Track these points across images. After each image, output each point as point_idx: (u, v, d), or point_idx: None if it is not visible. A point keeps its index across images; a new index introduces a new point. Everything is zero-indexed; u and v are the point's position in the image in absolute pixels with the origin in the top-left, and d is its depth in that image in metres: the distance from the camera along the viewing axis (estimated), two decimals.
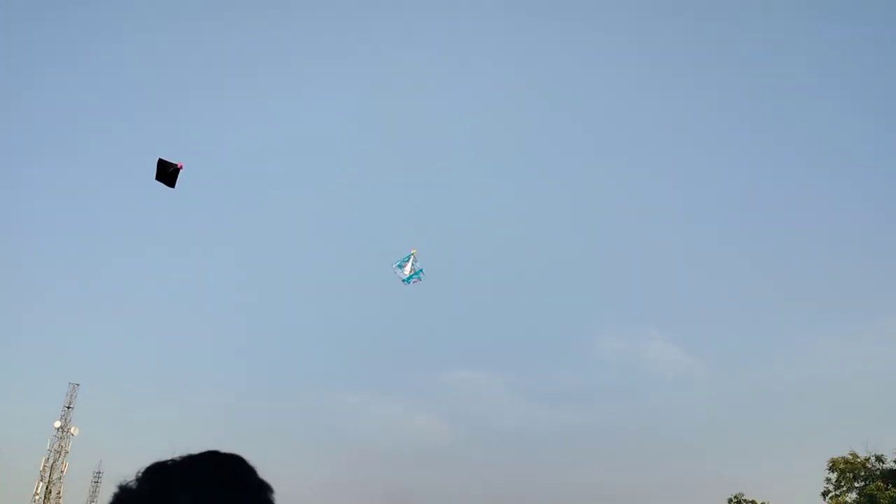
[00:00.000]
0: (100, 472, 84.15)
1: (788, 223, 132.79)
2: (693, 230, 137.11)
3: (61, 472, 76.83)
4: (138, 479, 1.05)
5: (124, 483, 1.03)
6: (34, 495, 74.74)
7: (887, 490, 38.60)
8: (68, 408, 78.84)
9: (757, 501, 53.72)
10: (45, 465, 76.66)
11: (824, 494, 43.02)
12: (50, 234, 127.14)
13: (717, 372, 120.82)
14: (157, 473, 1.04)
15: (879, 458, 41.49)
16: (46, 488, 75.67)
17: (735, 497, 53.66)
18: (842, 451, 43.42)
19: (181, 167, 13.82)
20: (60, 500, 75.66)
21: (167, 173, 13.95)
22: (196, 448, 1.20)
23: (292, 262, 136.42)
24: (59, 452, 77.37)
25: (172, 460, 1.07)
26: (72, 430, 78.15)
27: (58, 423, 78.26)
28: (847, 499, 42.00)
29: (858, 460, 42.27)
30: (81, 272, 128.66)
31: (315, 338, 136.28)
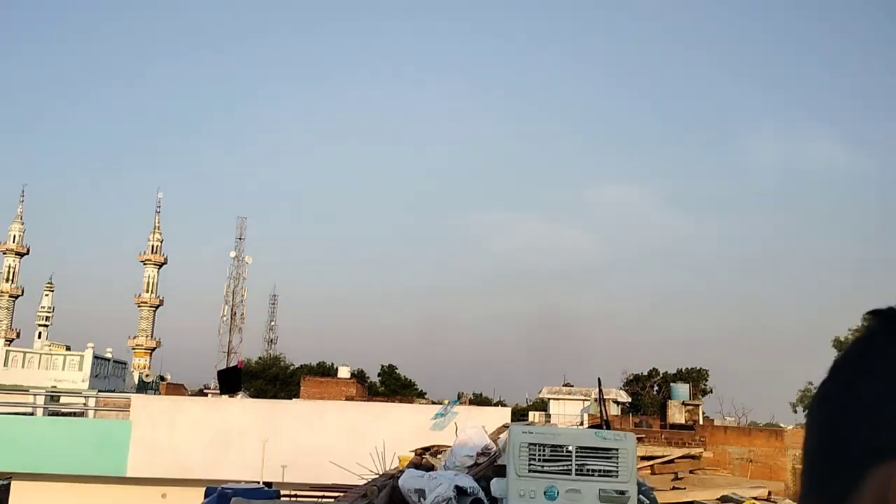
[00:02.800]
0: (275, 296, 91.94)
1: None
2: (864, 20, 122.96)
3: (242, 296, 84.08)
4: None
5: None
6: (221, 317, 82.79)
7: None
8: (240, 239, 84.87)
9: None
10: (227, 291, 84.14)
11: None
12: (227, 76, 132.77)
13: (893, 170, 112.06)
14: None
15: None
16: (231, 311, 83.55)
17: None
18: None
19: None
20: (244, 321, 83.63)
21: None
22: None
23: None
24: (238, 279, 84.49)
25: None
26: (246, 259, 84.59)
27: (233, 253, 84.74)
28: None
29: None
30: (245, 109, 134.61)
31: (460, 158, 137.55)
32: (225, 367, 77.05)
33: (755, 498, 5.04)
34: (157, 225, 78.66)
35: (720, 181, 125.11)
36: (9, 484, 14.42)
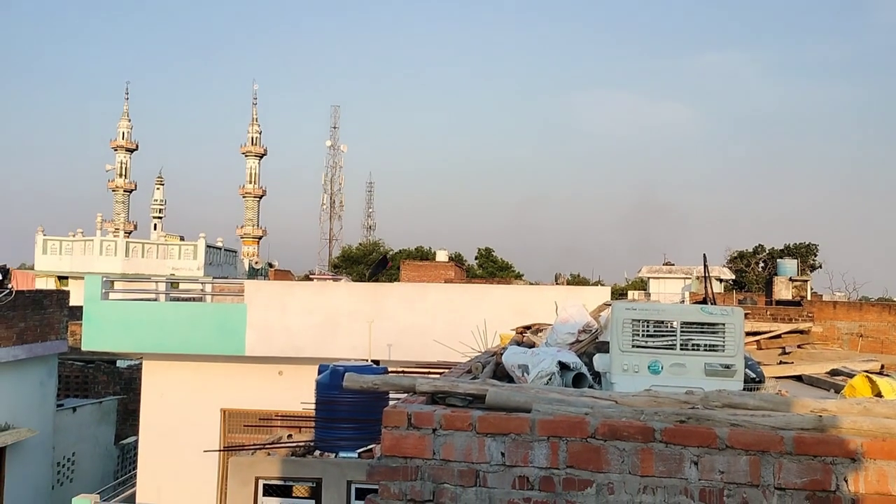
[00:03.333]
0: (371, 182, 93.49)
1: None
2: None
3: (339, 184, 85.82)
4: None
5: None
6: (321, 205, 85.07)
7: None
8: (334, 128, 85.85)
9: None
10: (325, 180, 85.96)
11: None
12: None
13: None
14: None
15: None
16: (330, 199, 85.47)
17: None
18: None
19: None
20: (343, 208, 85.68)
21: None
22: None
23: None
24: (335, 168, 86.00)
25: None
26: (341, 147, 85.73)
27: (328, 142, 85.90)
28: None
29: None
30: None
31: (557, 35, 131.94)
32: (328, 251, 79.59)
33: (868, 371, 4.91)
34: (254, 117, 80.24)
35: (832, 44, 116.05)
36: (141, 363, 15.68)
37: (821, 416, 3.15)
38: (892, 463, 2.94)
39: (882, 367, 5.81)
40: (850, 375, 4.82)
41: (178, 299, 16.49)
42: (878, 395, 3.99)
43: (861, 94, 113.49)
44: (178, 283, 24.67)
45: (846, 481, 2.96)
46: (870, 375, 4.33)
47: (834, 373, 5.55)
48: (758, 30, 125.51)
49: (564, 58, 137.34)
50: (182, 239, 54.10)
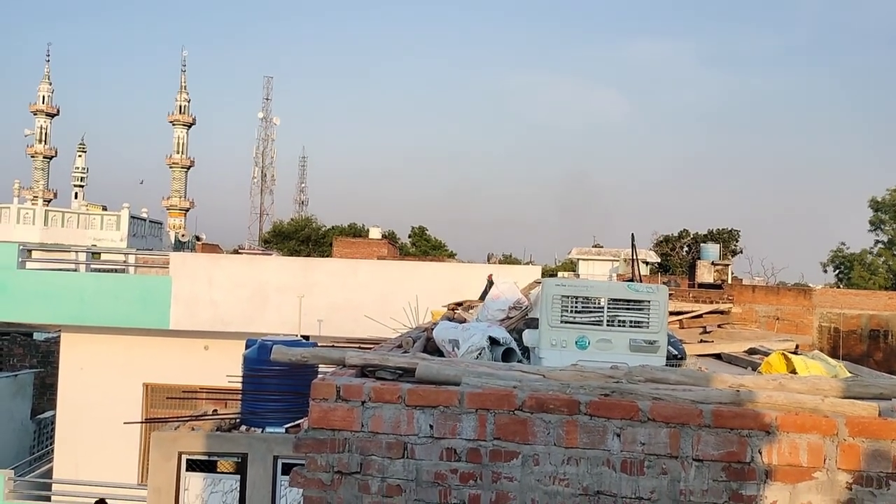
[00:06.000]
0: (304, 157, 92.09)
1: None
2: None
3: (271, 157, 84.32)
4: None
5: None
6: (252, 178, 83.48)
7: None
8: (267, 99, 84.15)
9: None
10: (256, 153, 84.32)
11: None
12: None
13: None
14: None
15: None
16: (261, 172, 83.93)
17: None
18: None
19: None
20: (275, 183, 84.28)
21: None
22: None
23: None
24: (266, 140, 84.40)
25: None
26: (274, 120, 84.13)
27: (260, 114, 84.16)
28: None
29: None
30: None
31: (492, 18, 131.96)
32: (258, 225, 78.15)
33: (783, 350, 5.11)
34: (183, 84, 77.87)
35: (759, 35, 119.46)
36: (59, 335, 15.16)
37: (738, 390, 3.26)
38: (804, 435, 3.07)
39: (797, 346, 6.05)
40: (767, 354, 5.01)
41: (99, 271, 15.98)
42: (793, 372, 4.15)
43: (782, 86, 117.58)
44: (99, 253, 23.91)
45: (760, 453, 3.08)
46: (785, 354, 4.51)
47: (751, 351, 5.75)
48: (688, 20, 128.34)
49: (500, 40, 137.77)
50: (105, 209, 52.36)
